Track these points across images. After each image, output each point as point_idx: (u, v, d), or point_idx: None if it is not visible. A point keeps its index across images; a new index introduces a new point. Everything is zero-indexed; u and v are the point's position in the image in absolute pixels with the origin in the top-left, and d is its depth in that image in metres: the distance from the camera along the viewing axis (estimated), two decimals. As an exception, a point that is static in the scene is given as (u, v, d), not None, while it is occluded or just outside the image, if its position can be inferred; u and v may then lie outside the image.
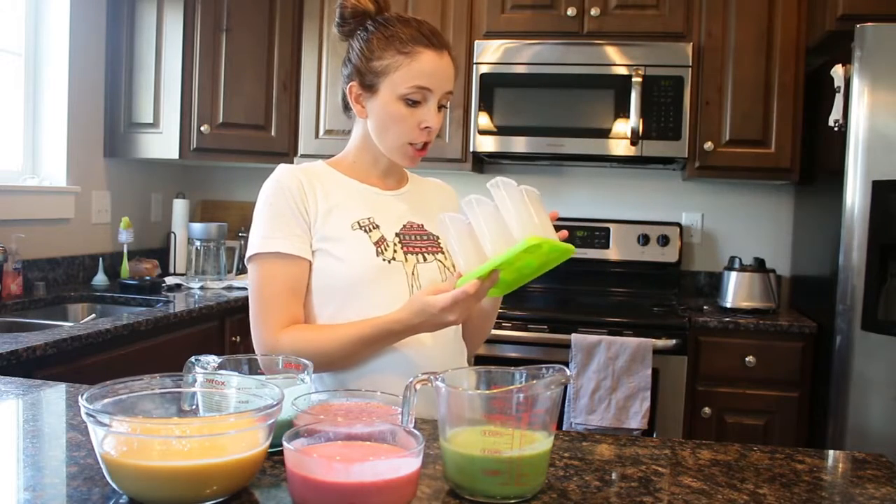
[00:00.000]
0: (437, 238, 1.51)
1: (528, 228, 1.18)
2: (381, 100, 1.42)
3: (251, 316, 1.44)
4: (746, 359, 2.73)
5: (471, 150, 3.13)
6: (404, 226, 1.48)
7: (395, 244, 1.44)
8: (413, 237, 1.48)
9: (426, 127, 1.42)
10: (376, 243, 1.43)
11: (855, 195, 2.47)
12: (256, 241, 1.41)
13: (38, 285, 2.72)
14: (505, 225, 1.20)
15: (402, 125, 1.42)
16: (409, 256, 1.45)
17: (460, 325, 1.53)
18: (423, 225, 1.51)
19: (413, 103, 1.41)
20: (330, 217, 1.43)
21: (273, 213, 1.41)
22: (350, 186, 1.49)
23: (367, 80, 1.43)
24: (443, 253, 1.50)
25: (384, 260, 1.42)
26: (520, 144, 3.07)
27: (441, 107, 1.45)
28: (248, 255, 1.44)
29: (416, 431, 0.91)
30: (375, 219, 1.45)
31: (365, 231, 1.43)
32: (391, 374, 1.39)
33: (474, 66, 3.08)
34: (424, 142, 1.45)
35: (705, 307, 3.01)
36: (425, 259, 1.46)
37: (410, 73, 1.39)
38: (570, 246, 1.23)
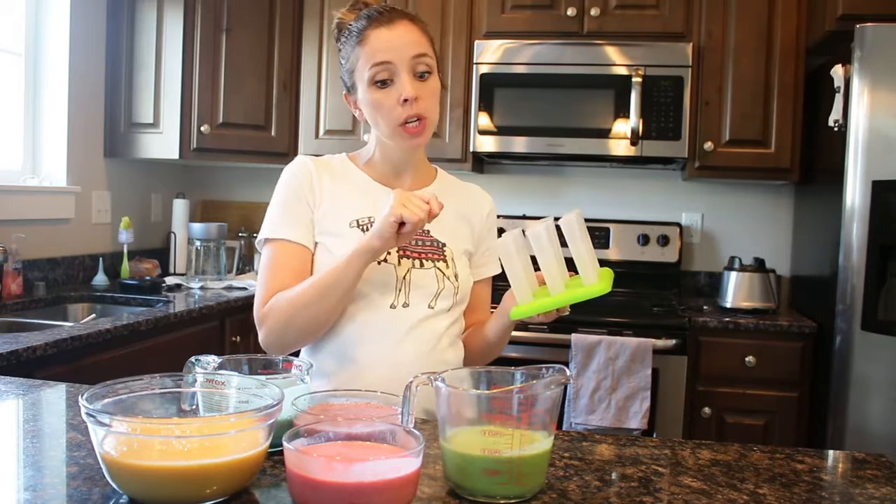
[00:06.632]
0: (443, 245, 1.47)
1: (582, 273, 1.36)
2: (360, 95, 1.44)
3: None
4: (746, 359, 2.73)
5: (471, 150, 3.13)
6: None
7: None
8: (414, 241, 1.44)
9: (405, 99, 1.38)
10: None
11: (855, 195, 2.47)
12: (267, 227, 1.45)
13: (38, 285, 2.72)
14: (562, 263, 1.33)
15: (382, 109, 1.40)
16: (403, 260, 1.43)
17: (451, 335, 1.49)
18: (429, 231, 1.47)
19: (383, 83, 1.39)
20: (331, 211, 1.44)
21: (282, 201, 1.46)
22: (360, 182, 1.49)
23: (348, 84, 1.47)
24: (444, 261, 1.46)
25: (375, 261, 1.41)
26: (520, 144, 3.07)
27: (422, 74, 1.40)
28: (259, 237, 1.47)
29: (416, 431, 0.91)
30: (376, 218, 1.44)
31: (362, 230, 1.42)
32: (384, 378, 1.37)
33: (474, 66, 3.08)
34: (417, 118, 1.39)
35: (705, 307, 3.01)
36: (422, 265, 1.44)
37: (367, 57, 1.39)
38: (608, 287, 1.38)
